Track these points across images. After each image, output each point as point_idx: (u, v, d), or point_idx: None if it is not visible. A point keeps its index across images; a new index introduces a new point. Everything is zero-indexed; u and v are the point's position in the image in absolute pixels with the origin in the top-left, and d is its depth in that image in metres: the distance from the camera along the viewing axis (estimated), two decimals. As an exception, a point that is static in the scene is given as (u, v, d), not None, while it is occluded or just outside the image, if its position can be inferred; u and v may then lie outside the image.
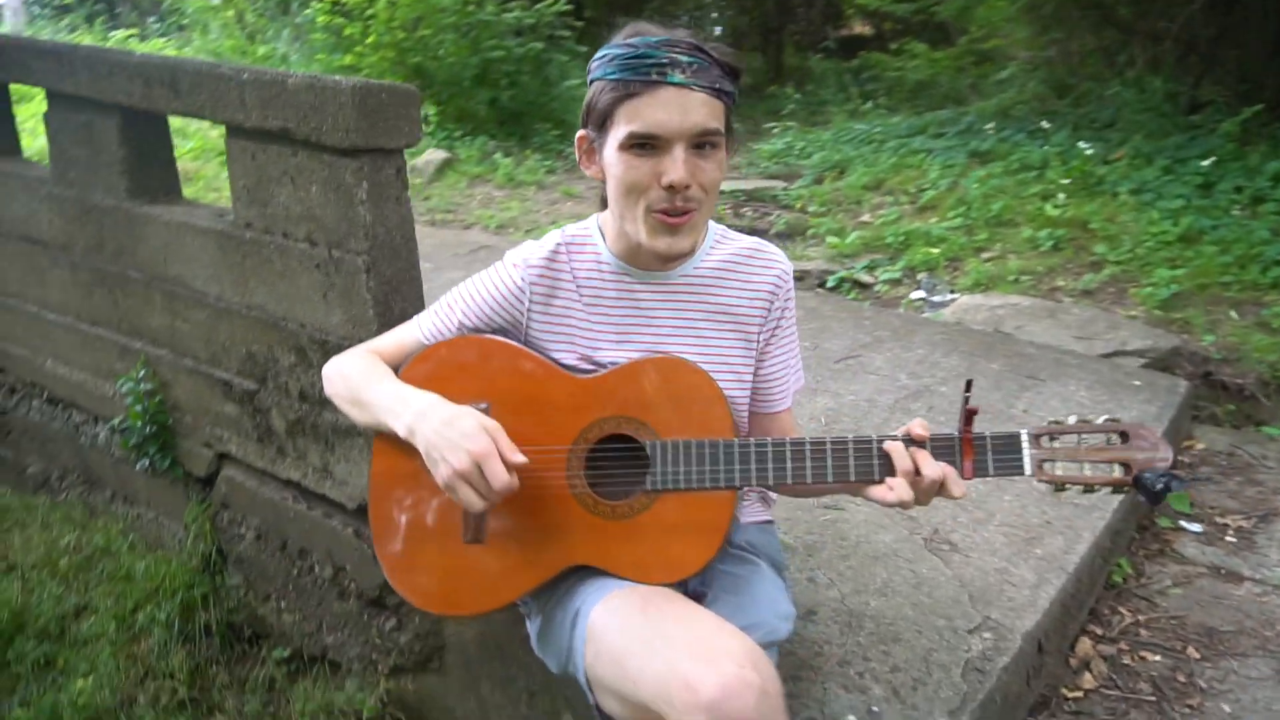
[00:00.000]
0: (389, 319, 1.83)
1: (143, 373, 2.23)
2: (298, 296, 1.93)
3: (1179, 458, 2.82)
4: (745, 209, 6.60)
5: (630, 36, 1.24)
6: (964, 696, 1.52)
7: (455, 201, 6.37)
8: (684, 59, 1.21)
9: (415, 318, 1.51)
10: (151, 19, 10.57)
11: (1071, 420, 1.28)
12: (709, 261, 1.44)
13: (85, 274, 2.34)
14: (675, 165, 1.22)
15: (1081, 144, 5.68)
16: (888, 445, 1.26)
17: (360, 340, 1.63)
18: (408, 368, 1.42)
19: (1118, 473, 1.25)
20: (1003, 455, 1.26)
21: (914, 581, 1.84)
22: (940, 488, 1.23)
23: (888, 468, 1.25)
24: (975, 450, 1.26)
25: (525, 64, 8.32)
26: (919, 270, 4.93)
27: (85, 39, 8.08)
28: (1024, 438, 1.26)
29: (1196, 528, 2.39)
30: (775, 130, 8.69)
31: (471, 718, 1.94)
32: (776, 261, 1.46)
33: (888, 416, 2.67)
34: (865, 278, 5.02)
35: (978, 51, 8.97)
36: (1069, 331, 3.68)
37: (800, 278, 5.05)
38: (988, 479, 1.28)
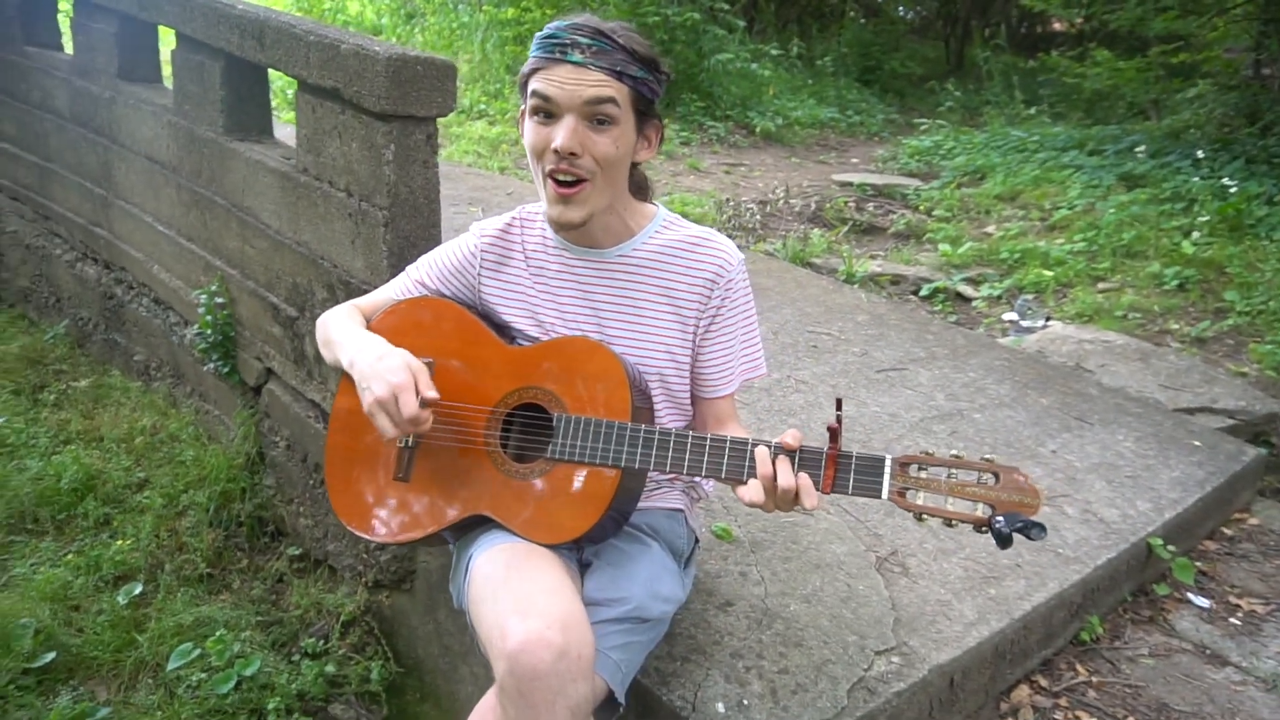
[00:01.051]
0: (401, 270, 2.02)
1: (216, 287, 2.54)
2: (333, 239, 2.15)
3: (1222, 529, 2.64)
4: (870, 204, 6.44)
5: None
6: (840, 710, 1.56)
7: (582, 163, 6.56)
8: (584, 40, 1.34)
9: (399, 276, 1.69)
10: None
11: (951, 454, 1.30)
12: (650, 245, 1.53)
13: (186, 194, 2.67)
14: (562, 132, 1.34)
15: (1235, 180, 5.19)
16: (757, 450, 1.32)
17: (376, 285, 1.84)
18: (376, 320, 1.60)
19: (981, 512, 1.27)
20: (864, 476, 1.29)
21: (845, 595, 1.87)
22: (795, 497, 1.29)
23: (755, 470, 1.32)
24: (838, 467, 1.30)
25: (681, 32, 8.38)
26: (1026, 290, 4.72)
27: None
28: (888, 463, 1.28)
29: (1204, 602, 2.26)
30: (925, 127, 8.37)
31: (429, 637, 2.14)
32: (721, 252, 1.53)
33: (904, 434, 2.65)
34: (968, 290, 4.85)
35: (1168, 65, 8.26)
36: (1157, 379, 3.46)
37: (896, 282, 4.94)
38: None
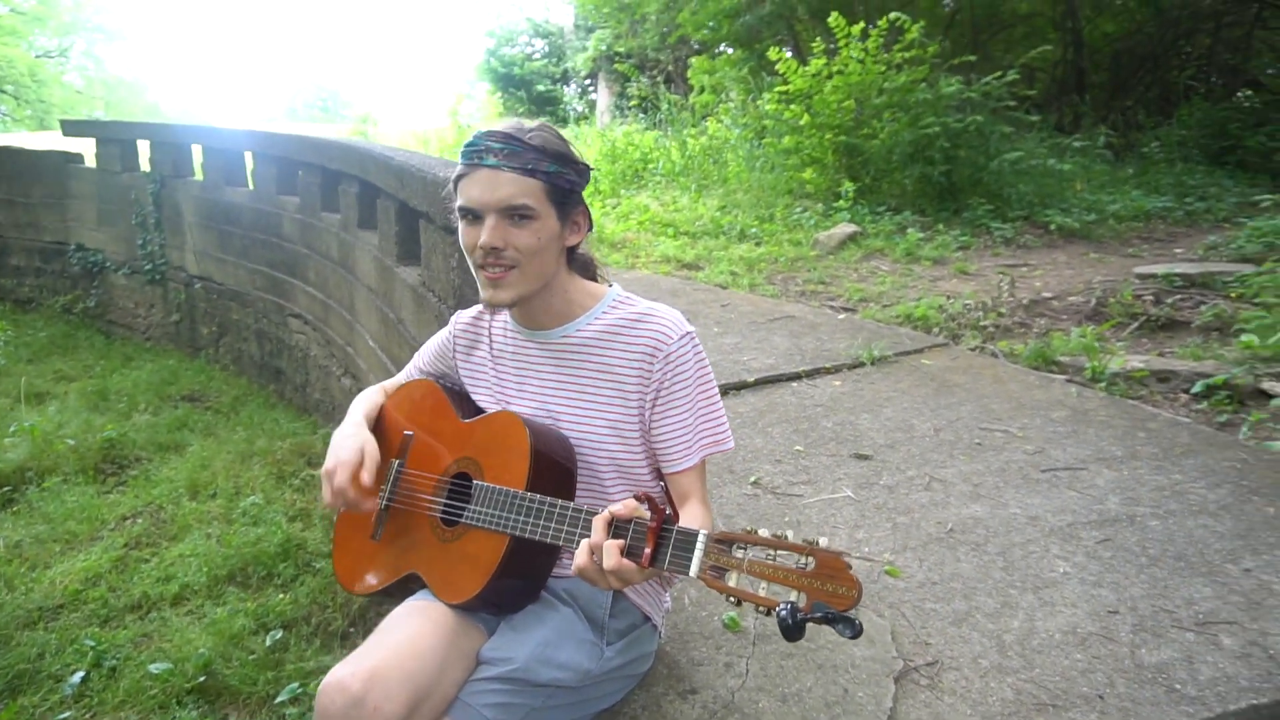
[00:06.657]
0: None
1: (384, 387, 3.02)
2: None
3: None
4: (1172, 296, 5.53)
5: None
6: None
7: (835, 274, 6.51)
8: (496, 145, 1.47)
9: None
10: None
11: (774, 533, 1.18)
12: (593, 326, 1.60)
13: (379, 314, 3.25)
14: (485, 231, 1.47)
15: None
16: (597, 518, 1.31)
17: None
18: (389, 398, 1.86)
19: (793, 599, 1.13)
20: (678, 552, 1.23)
21: (832, 700, 1.66)
22: (619, 575, 1.26)
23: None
24: (657, 541, 1.25)
25: (964, 138, 8.08)
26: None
27: (634, 125, 10.09)
28: (700, 539, 1.21)
29: None
30: (1266, 205, 7.03)
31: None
32: (659, 326, 1.55)
33: (1032, 539, 2.26)
34: (1273, 387, 3.94)
35: None
36: None
37: (1164, 379, 4.17)
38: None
